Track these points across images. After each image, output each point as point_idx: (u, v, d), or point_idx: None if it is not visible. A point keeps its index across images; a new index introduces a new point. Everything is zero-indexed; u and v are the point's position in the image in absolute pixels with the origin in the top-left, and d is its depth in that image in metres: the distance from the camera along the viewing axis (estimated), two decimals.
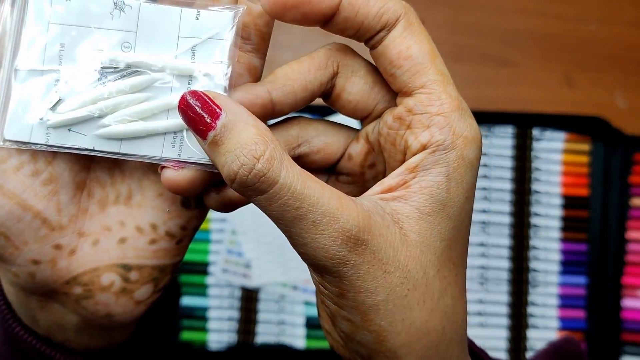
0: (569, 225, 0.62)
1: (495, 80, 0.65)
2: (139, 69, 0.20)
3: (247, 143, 0.18)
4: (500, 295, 0.61)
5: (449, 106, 0.21)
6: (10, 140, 0.20)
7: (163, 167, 0.20)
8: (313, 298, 0.61)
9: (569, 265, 0.61)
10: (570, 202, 0.62)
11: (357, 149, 0.23)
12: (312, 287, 0.57)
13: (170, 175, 0.20)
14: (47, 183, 0.20)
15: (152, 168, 0.21)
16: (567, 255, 0.61)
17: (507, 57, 0.65)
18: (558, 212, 0.61)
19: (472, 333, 0.61)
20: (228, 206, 0.21)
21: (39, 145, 0.20)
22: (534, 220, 0.61)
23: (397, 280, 0.19)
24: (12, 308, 0.22)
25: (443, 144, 0.20)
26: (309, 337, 0.61)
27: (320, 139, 0.24)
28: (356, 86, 0.23)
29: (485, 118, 0.62)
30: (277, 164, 0.18)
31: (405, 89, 0.21)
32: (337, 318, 0.20)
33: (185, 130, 0.20)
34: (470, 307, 0.61)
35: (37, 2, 0.20)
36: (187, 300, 0.63)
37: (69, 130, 0.20)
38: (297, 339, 0.61)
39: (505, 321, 0.61)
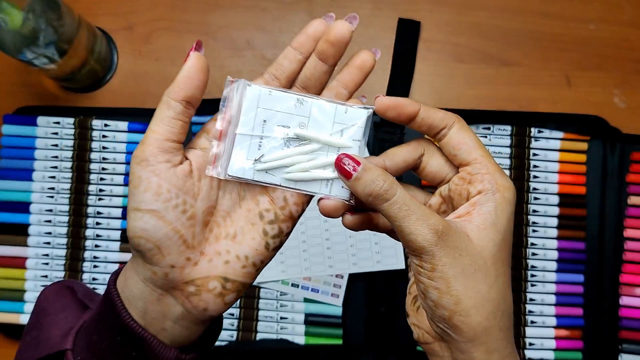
0: (567, 224, 0.62)
1: (494, 80, 0.65)
2: (310, 140, 0.34)
3: (377, 175, 0.31)
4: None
5: (492, 168, 0.33)
6: (231, 175, 0.34)
7: (320, 199, 0.34)
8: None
9: (566, 263, 0.62)
10: (568, 201, 0.62)
11: (434, 201, 0.36)
12: (311, 284, 0.58)
13: (324, 203, 0.34)
14: (190, 219, 0.32)
15: (252, 220, 0.34)
16: (565, 253, 0.62)
17: (506, 56, 0.65)
18: (556, 210, 0.62)
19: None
20: (357, 225, 0.35)
21: (249, 180, 0.34)
22: (532, 219, 0.62)
23: (467, 261, 0.31)
24: (124, 305, 0.33)
25: (491, 189, 0.32)
26: (308, 334, 0.62)
27: (432, 163, 0.35)
28: (435, 162, 0.35)
29: (485, 117, 0.62)
30: (395, 185, 0.31)
31: (464, 162, 0.34)
32: (428, 289, 0.31)
33: (334, 179, 0.34)
34: None
35: (251, 93, 0.37)
36: None
37: (266, 172, 0.34)
38: (297, 336, 0.62)
39: None
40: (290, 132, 0.35)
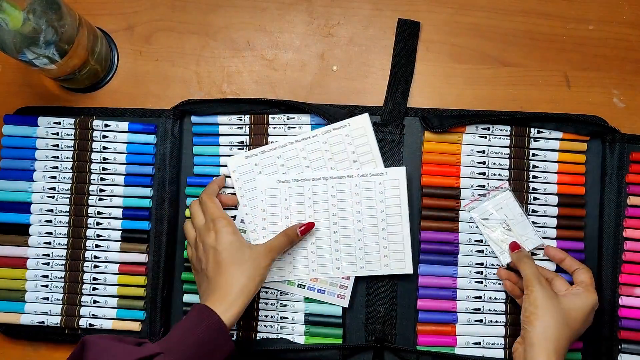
0: (566, 224, 0.62)
1: (494, 80, 0.65)
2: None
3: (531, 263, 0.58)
4: (498, 293, 0.62)
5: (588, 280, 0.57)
6: None
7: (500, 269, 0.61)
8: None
9: None
10: (567, 201, 0.62)
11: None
12: (317, 285, 0.61)
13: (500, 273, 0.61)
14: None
15: None
16: None
17: (505, 57, 0.65)
18: (555, 210, 0.62)
19: (471, 329, 0.61)
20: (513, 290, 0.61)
21: None
22: (531, 219, 0.62)
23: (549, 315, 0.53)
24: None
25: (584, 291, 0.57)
26: (308, 334, 0.62)
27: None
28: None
29: (484, 117, 0.62)
30: (527, 256, 0.59)
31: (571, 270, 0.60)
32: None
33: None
34: (469, 304, 0.61)
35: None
36: (188, 298, 0.63)
37: None
38: (297, 335, 0.62)
39: (503, 318, 0.61)
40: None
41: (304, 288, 0.61)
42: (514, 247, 0.59)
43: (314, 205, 0.60)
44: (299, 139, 0.61)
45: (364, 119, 0.61)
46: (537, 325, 0.52)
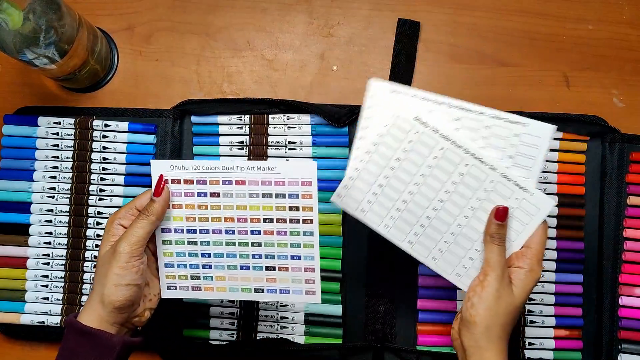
0: (566, 224, 0.62)
1: (493, 80, 0.65)
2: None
3: (502, 232, 0.49)
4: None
5: (535, 257, 0.49)
6: None
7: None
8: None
9: (565, 263, 0.62)
10: (567, 201, 0.62)
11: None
12: (276, 285, 0.53)
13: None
14: (146, 283, 0.51)
15: (153, 272, 0.53)
16: (564, 253, 0.62)
17: (505, 57, 0.65)
18: (555, 210, 0.62)
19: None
20: None
21: None
22: None
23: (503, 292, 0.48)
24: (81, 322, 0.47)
25: (528, 269, 0.49)
26: (308, 334, 0.62)
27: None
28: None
29: None
30: (502, 238, 0.50)
31: (526, 244, 0.50)
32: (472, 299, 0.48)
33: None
34: None
35: None
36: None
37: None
38: (297, 335, 0.62)
39: None
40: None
41: (263, 292, 0.52)
42: (499, 216, 0.49)
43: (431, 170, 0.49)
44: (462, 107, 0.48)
45: (547, 130, 0.48)
46: (481, 323, 0.46)
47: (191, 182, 0.50)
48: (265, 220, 0.50)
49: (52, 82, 0.67)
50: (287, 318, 0.62)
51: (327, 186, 0.62)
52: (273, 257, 0.51)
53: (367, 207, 0.51)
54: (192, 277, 0.52)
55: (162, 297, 0.52)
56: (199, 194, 0.50)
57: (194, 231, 0.51)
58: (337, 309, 0.62)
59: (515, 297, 0.47)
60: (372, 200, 0.50)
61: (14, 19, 0.51)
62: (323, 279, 0.62)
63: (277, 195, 0.49)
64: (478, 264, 0.50)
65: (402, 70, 0.64)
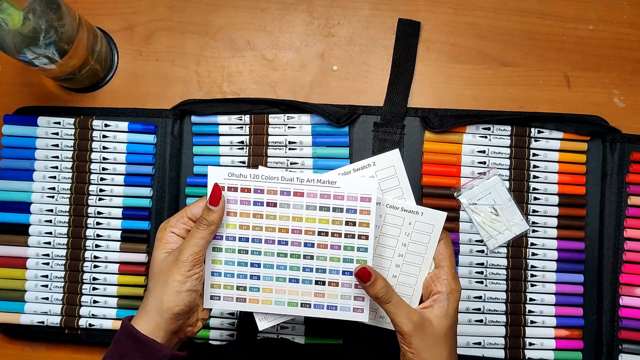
0: (567, 224, 0.62)
1: (494, 80, 0.65)
2: None
3: (382, 286, 0.47)
4: (498, 293, 0.62)
5: (450, 276, 0.49)
6: None
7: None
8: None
9: (566, 263, 0.62)
10: (568, 201, 0.62)
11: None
12: (324, 301, 0.50)
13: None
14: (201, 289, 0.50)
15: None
16: (565, 253, 0.62)
17: (505, 57, 0.65)
18: (556, 210, 0.62)
19: (472, 330, 0.61)
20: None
21: None
22: (532, 219, 0.62)
23: (430, 339, 0.47)
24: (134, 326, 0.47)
25: (446, 291, 0.49)
26: (308, 334, 0.62)
27: None
28: None
29: (484, 117, 0.62)
30: (391, 292, 0.47)
31: (438, 265, 0.51)
32: (406, 355, 0.47)
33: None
34: (470, 304, 0.61)
35: None
36: None
37: None
38: (297, 335, 0.62)
39: (503, 318, 0.61)
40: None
41: (310, 307, 0.50)
42: (362, 277, 0.47)
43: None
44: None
45: (393, 155, 0.51)
46: None
47: (248, 190, 0.49)
48: (320, 233, 0.49)
49: (52, 82, 0.67)
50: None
51: None
52: (324, 271, 0.49)
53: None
54: (238, 288, 0.50)
55: (203, 307, 0.50)
56: (255, 203, 0.49)
57: (247, 239, 0.49)
58: None
59: (444, 324, 0.47)
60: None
61: (14, 19, 0.51)
62: None
63: (334, 209, 0.49)
64: (364, 317, 0.50)
65: (402, 71, 0.64)
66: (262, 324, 0.50)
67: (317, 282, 0.49)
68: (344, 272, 0.49)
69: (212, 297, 0.50)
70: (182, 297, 0.46)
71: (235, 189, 0.49)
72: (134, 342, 0.45)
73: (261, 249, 0.49)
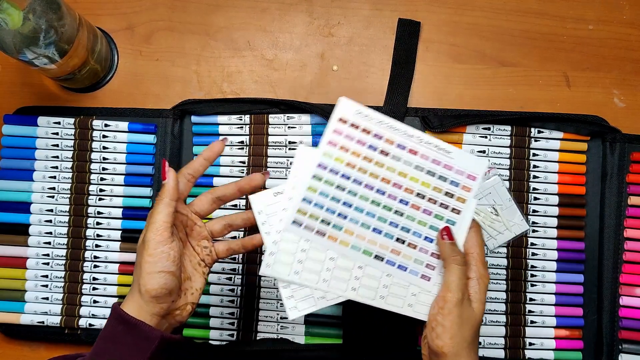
0: (567, 224, 0.62)
1: (493, 80, 0.65)
2: None
3: (456, 249, 0.49)
4: (498, 293, 0.62)
5: (479, 263, 0.49)
6: None
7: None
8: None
9: (566, 263, 0.62)
10: (568, 201, 0.62)
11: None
12: (397, 259, 0.50)
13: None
14: (181, 272, 0.49)
15: (194, 267, 0.51)
16: (565, 253, 0.62)
17: (505, 57, 0.65)
18: (556, 210, 0.62)
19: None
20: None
21: None
22: (532, 219, 0.62)
23: (465, 315, 0.47)
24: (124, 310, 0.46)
25: (476, 277, 0.49)
26: (308, 334, 0.62)
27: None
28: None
29: (485, 117, 0.62)
30: (462, 256, 0.49)
31: (468, 251, 0.50)
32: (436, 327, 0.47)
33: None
34: None
35: None
36: None
37: None
38: (297, 335, 0.62)
39: (503, 318, 0.61)
40: None
41: (382, 260, 0.49)
42: (445, 234, 0.49)
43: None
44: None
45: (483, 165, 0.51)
46: (450, 352, 0.46)
47: (368, 132, 0.49)
48: (418, 194, 0.49)
49: (52, 82, 0.67)
50: (287, 318, 0.62)
51: None
52: (408, 231, 0.49)
53: (300, 267, 0.49)
54: (322, 221, 0.49)
55: (277, 230, 0.48)
56: (370, 146, 0.49)
57: (348, 178, 0.49)
58: (337, 309, 0.62)
59: (475, 312, 0.47)
60: (303, 259, 0.49)
61: (14, 18, 0.51)
62: None
63: (440, 177, 0.50)
64: (428, 287, 0.49)
65: (402, 71, 0.64)
66: (292, 313, 0.49)
67: (397, 239, 0.50)
68: (425, 238, 0.50)
69: (294, 222, 0.49)
70: (155, 279, 0.45)
71: (357, 127, 0.49)
72: (123, 324, 0.45)
73: (358, 191, 0.49)
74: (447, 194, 0.50)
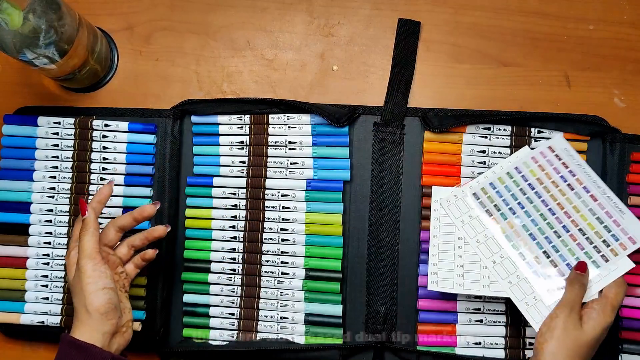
0: None
1: (494, 80, 0.65)
2: None
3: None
4: (499, 293, 0.62)
5: (609, 297, 0.54)
6: None
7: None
8: (313, 295, 0.61)
9: None
10: None
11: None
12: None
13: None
14: (120, 289, 0.56)
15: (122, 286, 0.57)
16: None
17: (505, 57, 0.65)
18: None
19: (472, 330, 0.61)
20: None
21: None
22: None
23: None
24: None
25: (599, 310, 0.54)
26: (308, 334, 0.62)
27: None
28: None
29: (485, 117, 0.62)
30: (581, 282, 0.56)
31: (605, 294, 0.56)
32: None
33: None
34: (470, 304, 0.61)
35: None
36: (188, 298, 0.63)
37: None
38: (297, 335, 0.62)
39: (504, 318, 0.61)
40: None
41: (523, 260, 0.58)
42: (579, 267, 0.55)
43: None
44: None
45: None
46: (547, 349, 0.52)
47: (567, 167, 0.59)
48: (580, 230, 0.58)
49: (52, 82, 0.67)
50: (287, 318, 0.62)
51: (328, 186, 0.62)
52: (557, 251, 0.57)
53: (461, 280, 0.58)
54: (495, 205, 0.59)
55: (461, 188, 0.60)
56: (561, 176, 0.59)
57: (533, 188, 0.59)
58: (337, 309, 0.62)
59: (583, 331, 0.51)
60: (461, 273, 0.58)
61: (14, 19, 0.51)
62: (323, 279, 0.62)
63: (605, 227, 0.57)
64: (546, 301, 0.56)
65: (402, 70, 0.64)
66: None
67: (544, 252, 0.58)
68: (567, 264, 0.57)
69: (474, 194, 0.60)
70: (100, 296, 0.50)
71: (560, 159, 0.60)
72: (75, 349, 0.48)
73: (535, 201, 0.59)
74: (604, 242, 0.57)
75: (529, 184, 0.59)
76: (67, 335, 0.49)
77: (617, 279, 0.55)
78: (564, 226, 0.58)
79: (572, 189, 0.58)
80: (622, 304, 0.54)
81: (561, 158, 0.59)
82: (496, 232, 0.59)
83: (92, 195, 0.64)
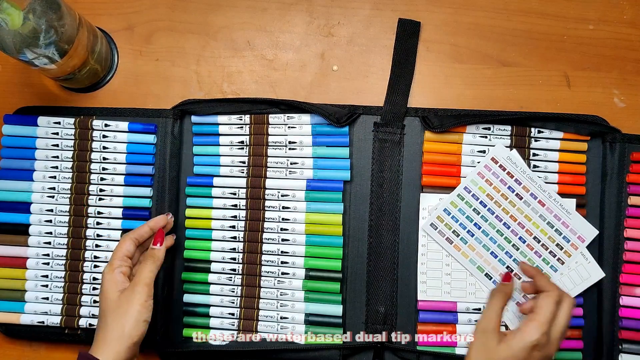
0: None
1: (494, 80, 0.65)
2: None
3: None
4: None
5: (539, 309, 0.52)
6: None
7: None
8: (313, 295, 0.61)
9: None
10: None
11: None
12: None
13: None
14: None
15: None
16: None
17: (505, 57, 0.65)
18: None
19: (472, 330, 0.61)
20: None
21: None
22: None
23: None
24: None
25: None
26: (308, 334, 0.62)
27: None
28: None
29: (484, 117, 0.62)
30: (499, 298, 0.56)
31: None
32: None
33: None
34: (470, 304, 0.61)
35: None
36: (188, 298, 0.63)
37: None
38: (297, 335, 0.62)
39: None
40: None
41: (490, 279, 0.61)
42: (505, 277, 0.57)
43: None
44: None
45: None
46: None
47: (512, 176, 0.61)
48: (535, 238, 0.60)
49: (52, 82, 0.67)
50: (287, 318, 0.62)
51: (328, 186, 0.62)
52: (518, 264, 0.61)
53: (449, 288, 0.62)
54: (453, 232, 0.61)
55: (422, 217, 0.61)
56: (509, 187, 0.61)
57: (485, 206, 0.61)
58: (337, 309, 0.62)
59: (497, 350, 0.50)
60: (448, 281, 0.62)
61: (14, 19, 0.51)
62: (323, 278, 0.62)
63: (556, 230, 0.60)
64: (517, 314, 0.60)
65: (402, 70, 0.64)
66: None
67: (507, 267, 0.61)
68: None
69: (432, 224, 0.61)
70: (140, 326, 0.51)
71: (504, 169, 0.61)
72: None
73: (489, 219, 0.61)
74: (557, 245, 0.60)
75: (481, 202, 0.61)
76: (89, 355, 0.50)
77: (551, 292, 0.52)
78: (520, 237, 0.60)
79: (521, 198, 0.60)
80: (564, 321, 0.51)
81: (505, 168, 0.61)
82: (461, 259, 0.61)
83: (92, 195, 0.64)
